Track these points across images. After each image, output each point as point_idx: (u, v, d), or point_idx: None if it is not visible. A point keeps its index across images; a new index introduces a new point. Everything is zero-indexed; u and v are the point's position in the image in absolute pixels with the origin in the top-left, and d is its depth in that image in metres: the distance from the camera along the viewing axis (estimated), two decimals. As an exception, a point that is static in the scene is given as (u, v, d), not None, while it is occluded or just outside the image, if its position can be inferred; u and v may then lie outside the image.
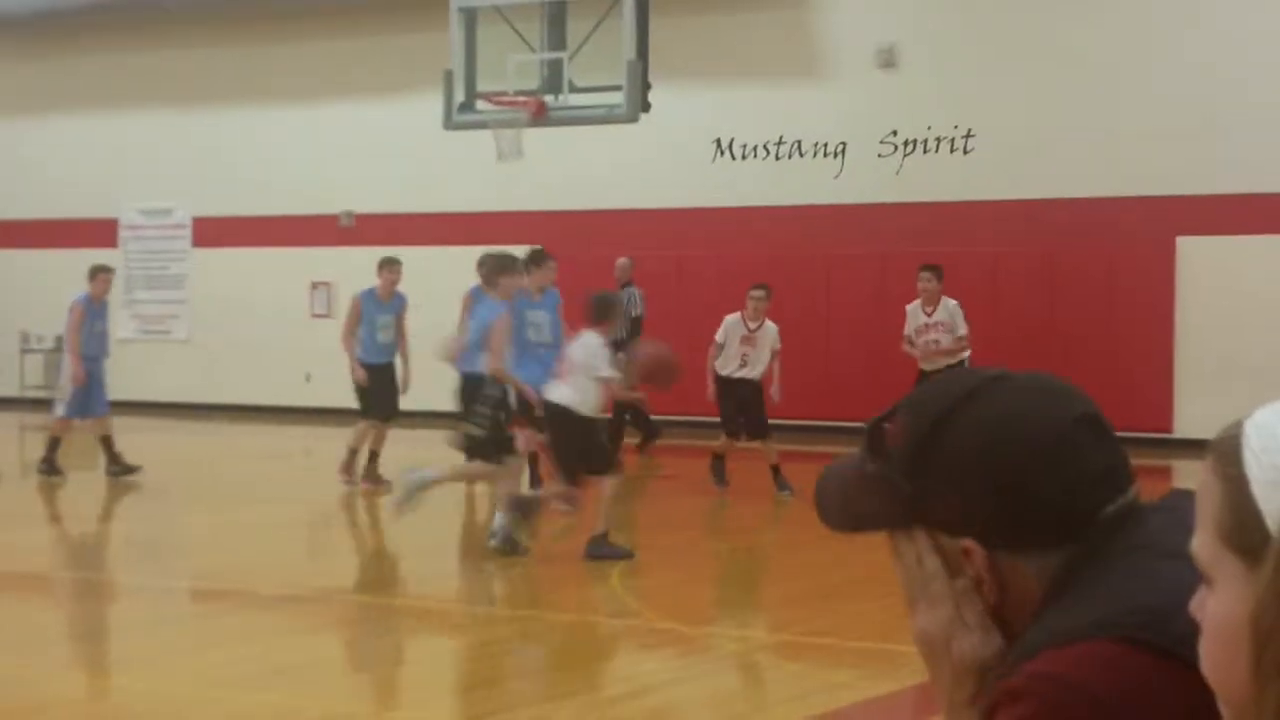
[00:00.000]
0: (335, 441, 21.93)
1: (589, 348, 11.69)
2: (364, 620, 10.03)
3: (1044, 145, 20.73)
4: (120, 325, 26.87)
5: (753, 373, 15.56)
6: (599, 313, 11.89)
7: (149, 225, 26.72)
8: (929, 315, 16.16)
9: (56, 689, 7.82)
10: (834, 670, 8.62)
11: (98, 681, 7.96)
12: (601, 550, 11.59)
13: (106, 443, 16.78)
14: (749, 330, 15.67)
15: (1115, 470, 1.74)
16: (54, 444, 16.72)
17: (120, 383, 26.69)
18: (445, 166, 23.41)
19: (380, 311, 16.21)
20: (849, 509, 1.82)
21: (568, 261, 23.06)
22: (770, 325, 15.73)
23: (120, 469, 16.66)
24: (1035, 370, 1.81)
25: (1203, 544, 1.41)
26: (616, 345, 18.59)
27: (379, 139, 24.49)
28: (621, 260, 18.80)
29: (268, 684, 8.23)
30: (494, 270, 12.85)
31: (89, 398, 16.79)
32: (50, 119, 27.19)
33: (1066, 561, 1.70)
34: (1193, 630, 1.44)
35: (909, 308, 16.38)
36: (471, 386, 12.64)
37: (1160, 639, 1.57)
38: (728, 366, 15.68)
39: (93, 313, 16.93)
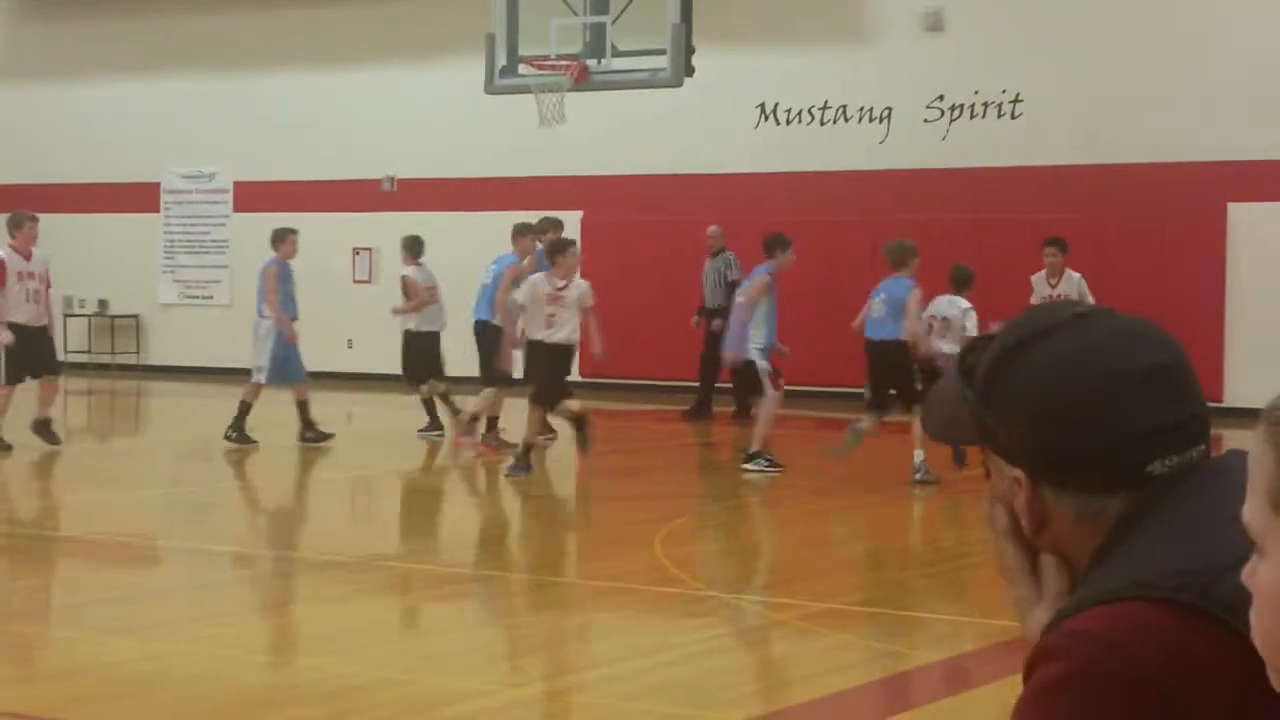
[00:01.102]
0: (377, 407, 21.92)
1: (964, 310, 14.27)
2: (406, 587, 9.99)
3: (1092, 110, 20.49)
4: (163, 290, 26.93)
5: (559, 335, 14.09)
6: (964, 280, 14.66)
7: (191, 189, 26.73)
8: (1053, 287, 16.44)
9: (94, 652, 7.79)
10: (882, 639, 8.51)
11: (136, 645, 7.91)
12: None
13: (303, 409, 16.48)
14: (555, 290, 14.11)
15: (1176, 427, 1.72)
16: (244, 410, 16.31)
17: (162, 347, 26.79)
18: (486, 131, 23.31)
19: None
20: (942, 419, 1.88)
21: (607, 225, 22.98)
22: (580, 282, 14.30)
23: (315, 436, 16.49)
24: (1134, 315, 1.82)
25: (1254, 512, 1.41)
26: (715, 312, 18.50)
27: (420, 103, 24.39)
28: (713, 228, 18.66)
29: (311, 649, 8.20)
30: (904, 253, 14.35)
31: (287, 363, 16.52)
32: (92, 83, 27.17)
33: (1122, 516, 1.69)
34: (1240, 595, 1.44)
35: (1034, 278, 16.66)
36: (887, 352, 14.12)
37: (1201, 602, 1.56)
38: (535, 328, 14.21)
39: (283, 274, 16.75)
